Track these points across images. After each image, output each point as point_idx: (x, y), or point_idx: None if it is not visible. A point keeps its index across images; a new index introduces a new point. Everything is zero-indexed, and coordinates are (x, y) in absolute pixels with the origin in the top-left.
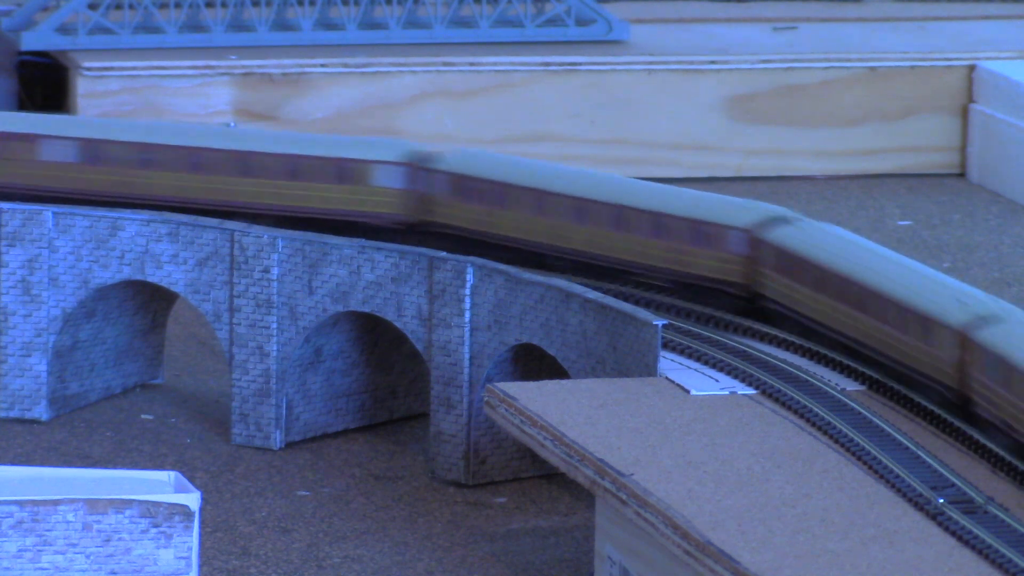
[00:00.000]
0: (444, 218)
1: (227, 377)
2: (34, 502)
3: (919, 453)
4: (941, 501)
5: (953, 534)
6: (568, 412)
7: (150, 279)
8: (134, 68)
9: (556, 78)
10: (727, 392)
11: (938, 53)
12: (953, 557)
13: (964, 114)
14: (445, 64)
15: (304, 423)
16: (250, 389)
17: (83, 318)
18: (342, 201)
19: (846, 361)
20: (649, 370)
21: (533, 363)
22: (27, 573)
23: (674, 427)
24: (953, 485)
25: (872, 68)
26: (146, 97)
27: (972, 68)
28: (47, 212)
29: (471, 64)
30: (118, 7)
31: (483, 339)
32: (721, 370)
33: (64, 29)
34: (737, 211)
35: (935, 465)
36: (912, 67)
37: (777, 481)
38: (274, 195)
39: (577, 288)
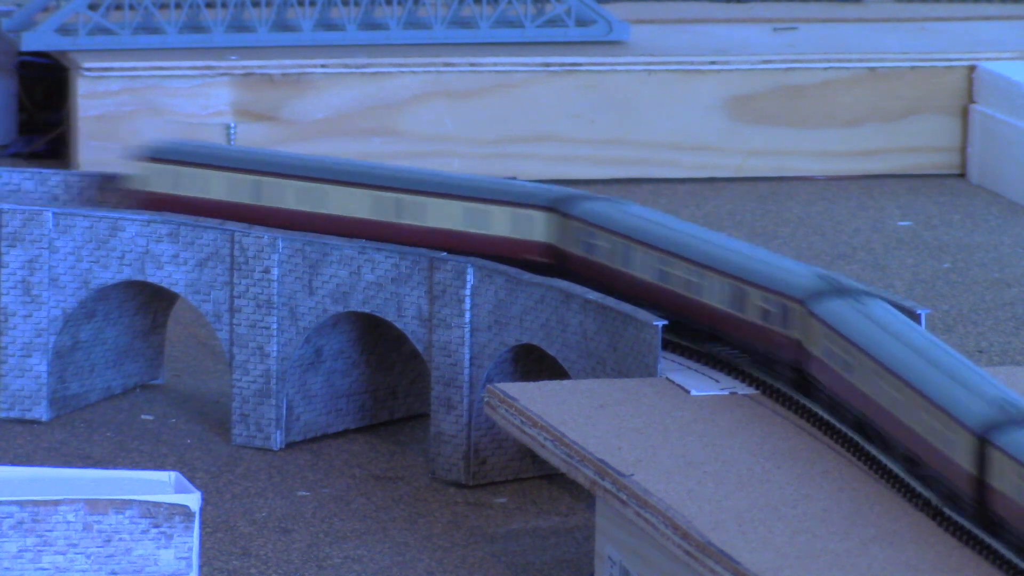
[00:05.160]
0: None
1: (227, 377)
2: (34, 502)
3: None
4: None
5: (953, 534)
6: (568, 412)
7: (150, 279)
8: (134, 68)
9: (556, 78)
10: (727, 392)
11: (938, 53)
12: (953, 557)
13: (964, 114)
14: (445, 64)
15: (304, 423)
16: (250, 389)
17: (83, 318)
18: None
19: None
20: (649, 370)
21: (533, 363)
22: (27, 573)
23: (674, 427)
24: None
25: (872, 68)
26: (146, 97)
27: (972, 69)
28: (47, 212)
29: (471, 64)
30: (118, 8)
31: (483, 340)
32: (721, 370)
33: (64, 29)
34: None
35: None
36: (912, 67)
37: (777, 481)
38: None
39: (577, 289)
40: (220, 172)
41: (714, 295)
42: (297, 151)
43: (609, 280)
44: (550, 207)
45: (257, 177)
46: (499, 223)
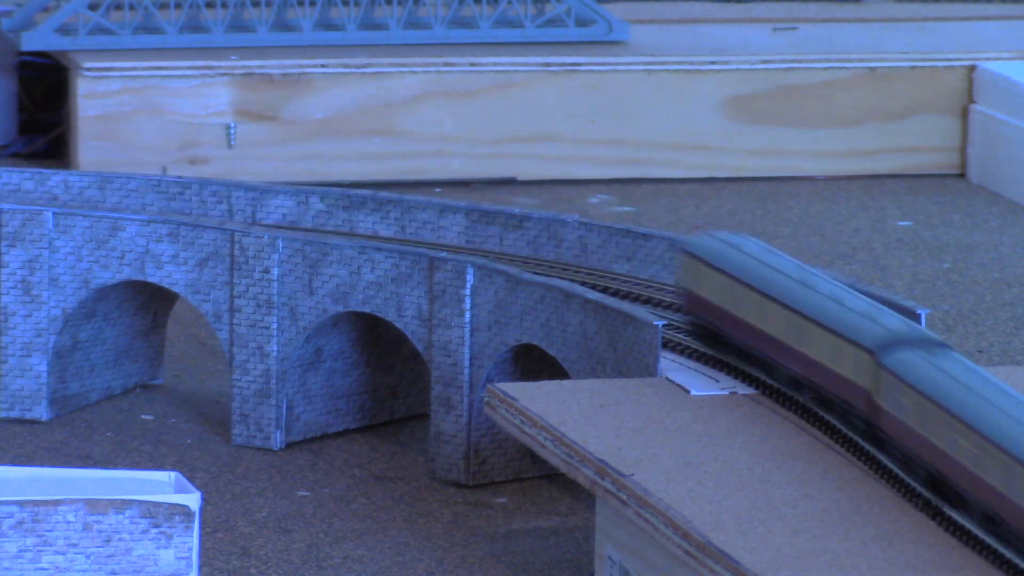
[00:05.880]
0: None
1: (227, 377)
2: (34, 502)
3: None
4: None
5: (953, 534)
6: (568, 412)
7: (150, 279)
8: (134, 68)
9: (556, 78)
10: (727, 392)
11: (938, 53)
12: (953, 557)
13: (964, 114)
14: (445, 64)
15: (304, 423)
16: (250, 389)
17: (83, 318)
18: None
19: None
20: (649, 370)
21: (533, 363)
22: (27, 573)
23: (674, 427)
24: None
25: (872, 68)
26: (146, 97)
27: (972, 68)
28: (47, 212)
29: (471, 64)
30: (118, 7)
31: (483, 339)
32: (721, 370)
33: (64, 29)
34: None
35: None
36: (912, 67)
37: (777, 481)
38: None
39: (578, 289)
40: (720, 276)
41: (994, 475)
42: (298, 151)
43: (914, 445)
44: (871, 350)
45: (735, 284)
46: (846, 363)
